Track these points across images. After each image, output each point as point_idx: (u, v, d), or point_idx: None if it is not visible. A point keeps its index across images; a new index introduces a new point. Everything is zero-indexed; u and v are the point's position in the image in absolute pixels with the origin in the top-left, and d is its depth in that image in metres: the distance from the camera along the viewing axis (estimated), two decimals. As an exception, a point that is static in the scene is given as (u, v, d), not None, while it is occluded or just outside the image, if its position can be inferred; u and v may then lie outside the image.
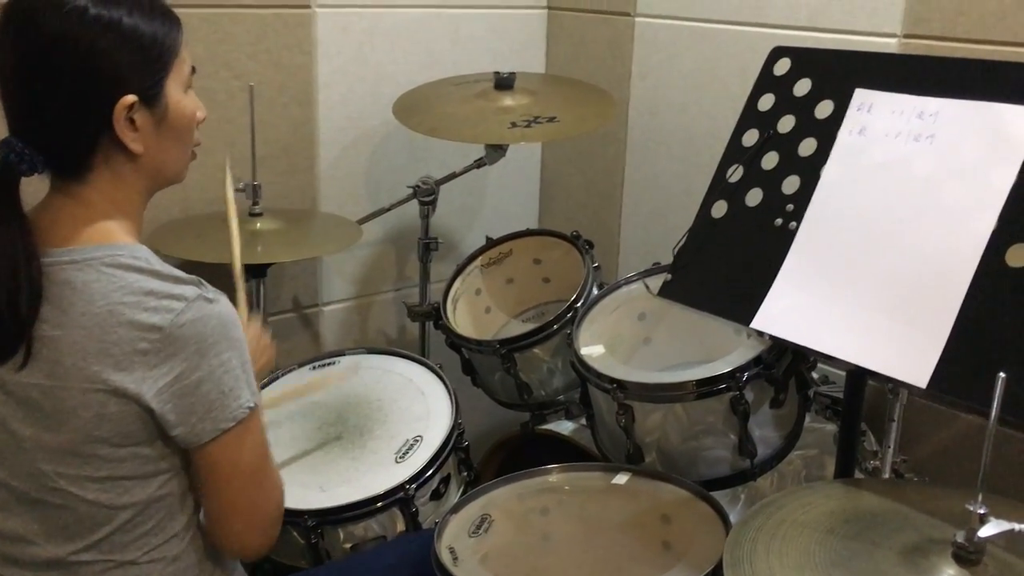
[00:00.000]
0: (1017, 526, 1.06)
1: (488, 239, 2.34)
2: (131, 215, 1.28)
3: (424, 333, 2.47)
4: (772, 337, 1.44)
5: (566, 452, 2.11)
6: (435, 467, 1.77)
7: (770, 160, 1.56)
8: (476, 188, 2.77)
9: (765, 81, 1.62)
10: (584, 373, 1.81)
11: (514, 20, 2.72)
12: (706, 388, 1.66)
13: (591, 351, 1.85)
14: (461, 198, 2.72)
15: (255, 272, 2.10)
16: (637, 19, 2.55)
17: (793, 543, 1.18)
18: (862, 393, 1.54)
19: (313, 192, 2.45)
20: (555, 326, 2.02)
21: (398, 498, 1.71)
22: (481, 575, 1.47)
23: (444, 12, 2.57)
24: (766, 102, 1.61)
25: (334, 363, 2.11)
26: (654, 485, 1.70)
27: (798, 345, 1.40)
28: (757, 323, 1.45)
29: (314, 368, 2.10)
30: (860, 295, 1.36)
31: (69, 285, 1.19)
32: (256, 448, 1.30)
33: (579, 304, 2.01)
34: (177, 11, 1.28)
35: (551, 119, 2.16)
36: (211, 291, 1.24)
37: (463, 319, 2.25)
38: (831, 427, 2.01)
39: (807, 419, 1.85)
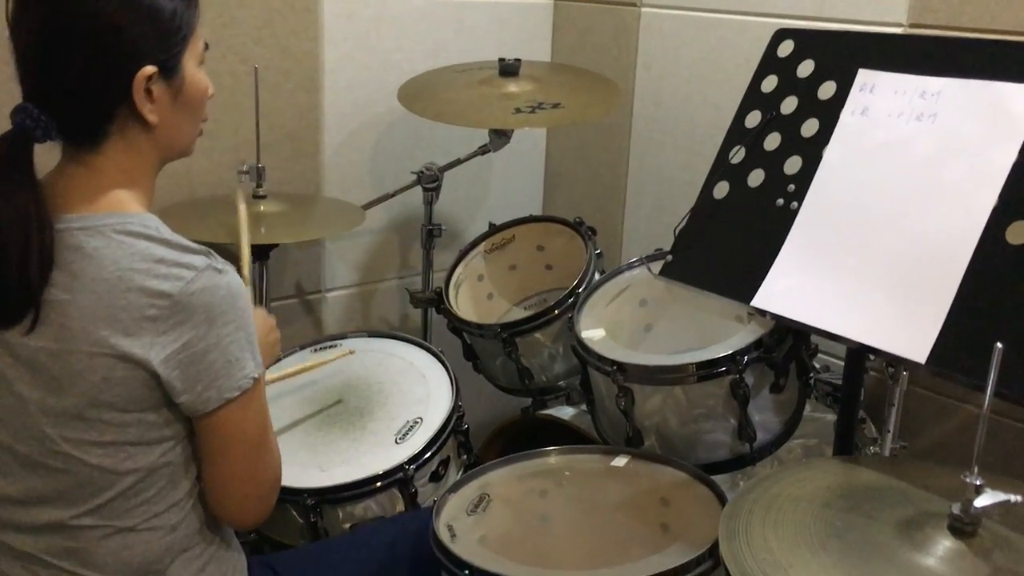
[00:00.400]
0: (1013, 497, 1.06)
1: (491, 225, 2.34)
2: (142, 186, 1.29)
3: (426, 320, 2.47)
4: (772, 315, 1.44)
5: (567, 437, 2.11)
6: (434, 449, 1.78)
7: (772, 141, 1.56)
8: (480, 177, 2.78)
9: (768, 63, 1.63)
10: (584, 356, 1.81)
11: (520, 9, 2.73)
12: (706, 371, 1.66)
13: (592, 334, 1.85)
14: (465, 187, 2.73)
15: (258, 254, 2.11)
16: (643, 9, 2.55)
17: (789, 516, 1.18)
18: (861, 372, 1.54)
19: (317, 177, 2.45)
20: (556, 311, 2.02)
21: (397, 479, 1.71)
22: (479, 553, 1.47)
23: (450, 1, 2.57)
24: (769, 84, 1.61)
25: (335, 346, 2.11)
26: (653, 468, 1.70)
27: (798, 322, 1.40)
28: (757, 301, 1.45)
29: (315, 351, 2.10)
30: (860, 273, 1.36)
31: (80, 251, 1.19)
32: (258, 419, 1.31)
33: (581, 289, 2.01)
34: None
35: (555, 105, 2.16)
36: (220, 262, 1.25)
37: (465, 305, 2.25)
38: (831, 417, 2.01)
39: (807, 408, 1.85)
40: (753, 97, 1.63)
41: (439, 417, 1.83)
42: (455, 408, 1.85)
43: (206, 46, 1.32)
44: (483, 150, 2.34)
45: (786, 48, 1.61)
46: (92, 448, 1.23)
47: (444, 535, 1.50)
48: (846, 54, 1.52)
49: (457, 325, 2.18)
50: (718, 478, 1.65)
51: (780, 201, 1.50)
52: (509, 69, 2.27)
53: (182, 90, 1.28)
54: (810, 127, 1.52)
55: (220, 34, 2.19)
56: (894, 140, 1.41)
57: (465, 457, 1.91)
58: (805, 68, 1.57)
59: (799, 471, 1.31)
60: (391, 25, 2.48)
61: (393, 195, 2.40)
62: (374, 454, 1.77)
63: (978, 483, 1.08)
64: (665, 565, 1.38)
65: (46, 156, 1.26)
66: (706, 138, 2.39)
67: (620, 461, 1.73)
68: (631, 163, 2.66)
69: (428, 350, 2.05)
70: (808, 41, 1.59)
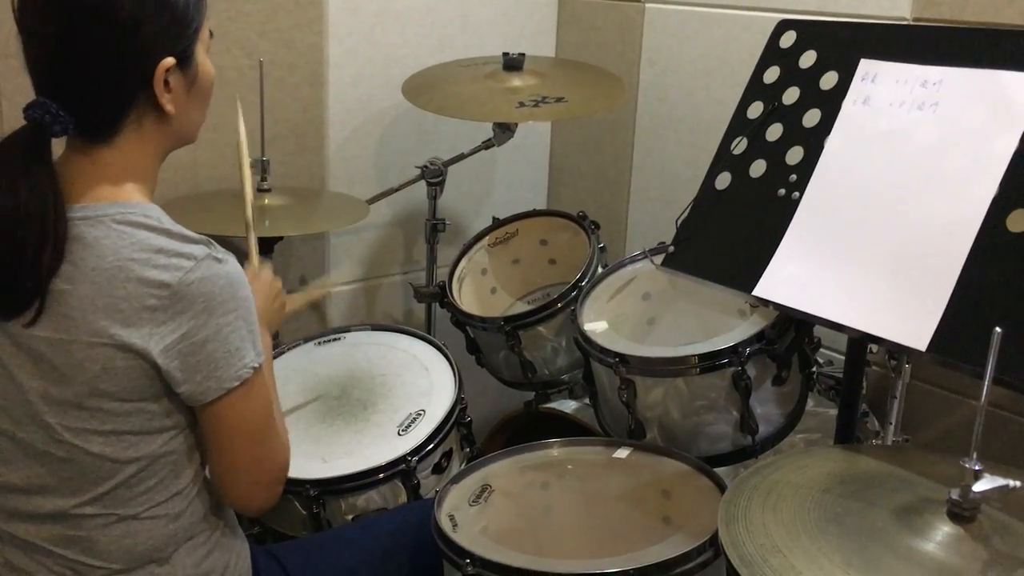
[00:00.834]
0: (1011, 482, 1.06)
1: (495, 219, 2.34)
2: (146, 176, 1.30)
3: (430, 314, 2.48)
4: (774, 305, 1.44)
5: (569, 430, 2.12)
6: (437, 440, 1.78)
7: (774, 131, 1.56)
8: (485, 172, 2.78)
9: (770, 54, 1.63)
10: (587, 348, 1.81)
11: (524, 5, 2.73)
12: (708, 363, 1.66)
13: (594, 327, 1.85)
14: (469, 182, 2.73)
15: (263, 248, 2.11)
16: (647, 5, 2.55)
17: (788, 501, 1.18)
18: (863, 363, 1.54)
19: (322, 172, 2.46)
20: (559, 304, 2.02)
21: (400, 470, 1.72)
22: (481, 543, 1.47)
23: (455, -5, 2.58)
24: (771, 74, 1.61)
25: (339, 339, 2.12)
26: (655, 459, 1.70)
27: (799, 311, 1.40)
28: (759, 291, 1.45)
29: (319, 344, 2.11)
30: (862, 262, 1.37)
31: (80, 241, 1.20)
32: (261, 407, 1.31)
33: (584, 283, 2.01)
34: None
35: (559, 99, 2.16)
36: (220, 251, 1.25)
37: (469, 299, 2.26)
38: (834, 411, 2.00)
39: (810, 403, 1.85)
40: (755, 88, 1.63)
41: (442, 409, 1.84)
42: (458, 400, 1.86)
43: (211, 34, 1.33)
44: (487, 144, 2.35)
45: (788, 39, 1.61)
46: (93, 437, 1.24)
47: (446, 525, 1.51)
48: (848, 44, 1.52)
49: (460, 319, 2.18)
50: (720, 470, 1.65)
51: (782, 191, 1.51)
52: (513, 63, 2.27)
53: (196, 79, 1.30)
54: (812, 117, 1.52)
55: (225, 28, 2.20)
56: (895, 129, 1.41)
57: (468, 450, 1.91)
58: (807, 59, 1.57)
59: (799, 458, 1.31)
60: (395, 19, 2.49)
61: (397, 189, 2.40)
62: (377, 446, 1.78)
63: (977, 468, 1.08)
64: (666, 555, 1.38)
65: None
66: (710, 133, 2.39)
67: (622, 453, 1.73)
68: (635, 158, 2.66)
69: (431, 343, 2.06)
70: (810, 32, 1.59)
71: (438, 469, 1.81)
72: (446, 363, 1.98)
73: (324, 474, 1.71)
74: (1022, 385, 1.15)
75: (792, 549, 1.09)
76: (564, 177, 2.93)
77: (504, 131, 2.32)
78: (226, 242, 1.33)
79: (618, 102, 2.28)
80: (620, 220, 2.71)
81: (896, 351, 1.64)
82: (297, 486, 1.68)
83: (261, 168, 2.13)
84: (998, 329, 1.06)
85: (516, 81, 2.25)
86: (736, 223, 1.55)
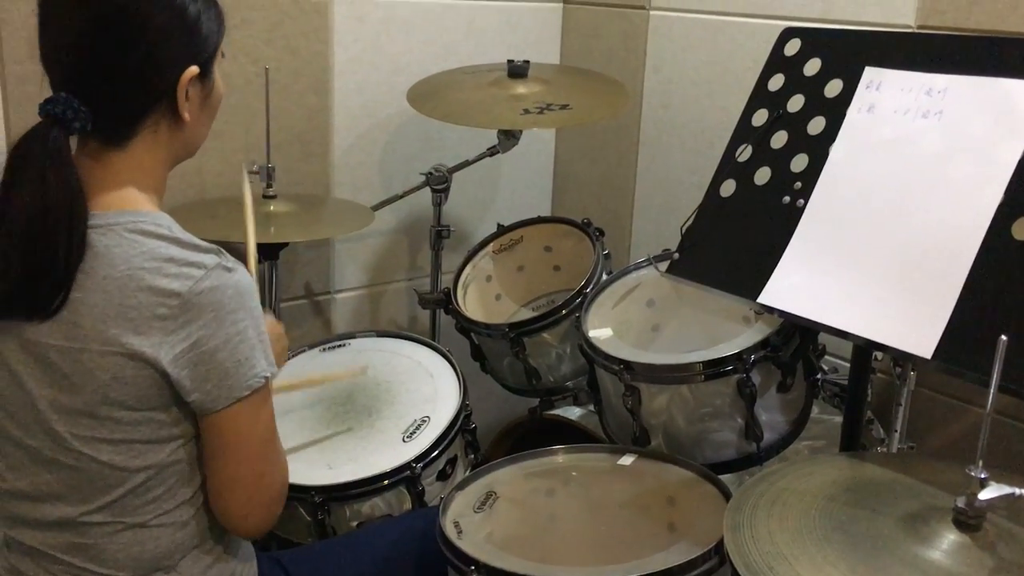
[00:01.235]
0: (1017, 490, 1.06)
1: (499, 226, 2.35)
2: (155, 184, 1.30)
3: (435, 321, 2.48)
4: (779, 312, 1.44)
5: (574, 437, 2.12)
6: (442, 447, 1.78)
7: (779, 139, 1.57)
8: (489, 179, 2.79)
9: (775, 61, 1.63)
10: (591, 355, 1.81)
11: (529, 13, 2.74)
12: (713, 370, 1.66)
13: (599, 334, 1.86)
14: (474, 189, 2.74)
15: (268, 254, 2.12)
16: (652, 12, 2.56)
17: (793, 509, 1.18)
18: (868, 370, 1.55)
19: (327, 179, 2.46)
20: (564, 311, 2.02)
21: (404, 477, 1.72)
22: (486, 549, 1.47)
23: (460, 4, 2.59)
24: (776, 82, 1.62)
25: (344, 345, 2.12)
26: (660, 467, 1.70)
27: (804, 319, 1.40)
28: (764, 298, 1.46)
29: (324, 350, 2.11)
30: (867, 270, 1.37)
31: (91, 249, 1.20)
32: (267, 420, 1.30)
33: (588, 290, 2.01)
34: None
35: (564, 106, 2.16)
36: (230, 260, 1.25)
37: (473, 305, 2.26)
38: (839, 418, 2.01)
39: (815, 410, 1.84)
40: (760, 95, 1.63)
41: (447, 416, 1.84)
42: (462, 407, 1.86)
43: (223, 54, 1.35)
44: (492, 151, 2.35)
45: (793, 47, 1.62)
46: (102, 445, 1.24)
47: (451, 532, 1.51)
48: (852, 52, 1.53)
49: (465, 325, 2.19)
50: (725, 477, 1.65)
51: (787, 199, 1.51)
52: (518, 71, 2.28)
53: (211, 92, 1.33)
54: (817, 125, 1.53)
55: (231, 35, 2.17)
56: (900, 137, 1.41)
57: (472, 456, 1.91)
58: (812, 66, 1.58)
59: (804, 466, 1.31)
60: (401, 27, 2.49)
61: (402, 196, 2.41)
62: (382, 452, 1.78)
63: (982, 476, 1.08)
64: (671, 562, 1.38)
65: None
66: (714, 140, 2.40)
67: (627, 460, 1.73)
68: (639, 165, 2.66)
69: (436, 350, 2.06)
70: (815, 39, 1.60)
71: (443, 476, 1.81)
72: (451, 370, 1.99)
73: (329, 481, 1.71)
74: (1027, 393, 1.15)
75: (798, 557, 1.09)
76: (568, 184, 2.93)
77: (509, 138, 2.32)
78: (233, 249, 1.34)
79: (622, 109, 2.28)
80: (624, 227, 2.72)
81: (901, 359, 1.64)
82: (302, 493, 1.68)
83: (267, 175, 2.14)
84: (1003, 337, 1.06)
85: (520, 88, 2.25)
86: (741, 230, 1.56)
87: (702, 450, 1.74)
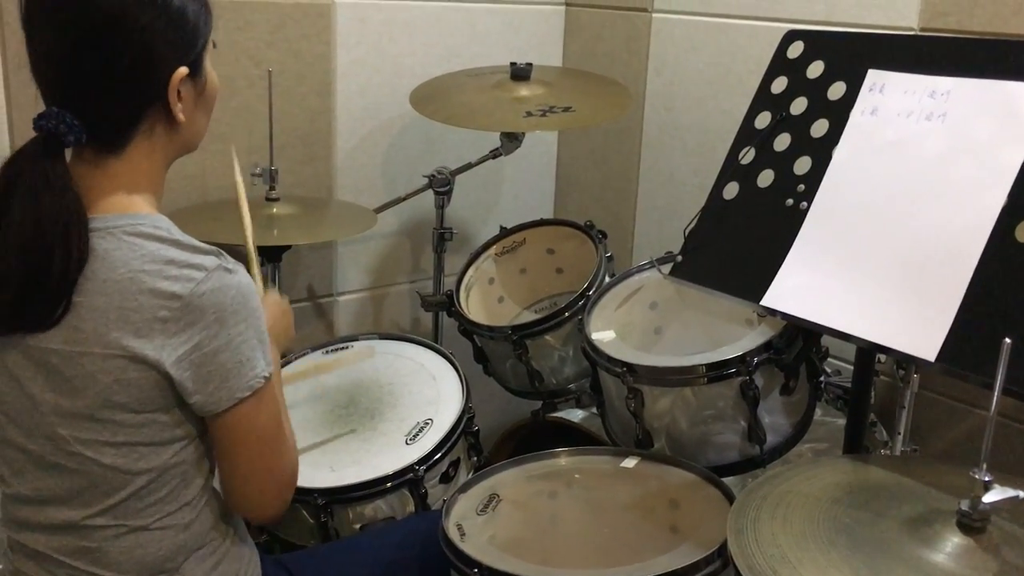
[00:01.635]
0: (1021, 493, 1.06)
1: (502, 228, 2.35)
2: (153, 187, 1.30)
3: (437, 324, 2.48)
4: (782, 315, 1.44)
5: (577, 439, 2.11)
6: (444, 450, 1.78)
7: (782, 141, 1.57)
8: (492, 182, 2.79)
9: (778, 64, 1.63)
10: (594, 357, 1.81)
11: (531, 15, 2.74)
12: (716, 372, 1.66)
13: (602, 336, 1.85)
14: (477, 192, 2.74)
15: (270, 256, 2.12)
16: (654, 15, 2.56)
17: (797, 512, 1.18)
18: (871, 373, 1.54)
19: (329, 181, 2.47)
20: (567, 313, 2.02)
21: (407, 479, 1.72)
22: (489, 552, 1.47)
23: (462, 6, 2.59)
24: (779, 85, 1.62)
25: (347, 347, 2.12)
26: (663, 469, 1.70)
27: (807, 322, 1.40)
28: (767, 301, 1.46)
29: (327, 352, 2.11)
30: (870, 272, 1.37)
31: (92, 252, 1.20)
32: (271, 417, 1.31)
33: (591, 292, 2.01)
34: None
35: (566, 109, 2.17)
36: (230, 262, 1.25)
37: (476, 307, 2.26)
38: (842, 421, 2.01)
39: (818, 412, 1.84)
40: (763, 98, 1.63)
41: (449, 418, 1.84)
42: (465, 409, 1.86)
43: (214, 44, 1.34)
44: (494, 154, 2.35)
45: (796, 49, 1.62)
46: (105, 448, 1.24)
47: (454, 534, 1.51)
48: (855, 55, 1.53)
49: (468, 328, 2.19)
50: (728, 480, 1.65)
51: (790, 201, 1.51)
52: (521, 73, 2.28)
53: (205, 87, 1.31)
54: (820, 127, 1.53)
55: (234, 37, 2.20)
56: (904, 140, 1.41)
57: (475, 459, 1.91)
58: (815, 69, 1.58)
59: (808, 468, 1.31)
60: (403, 29, 2.50)
61: (405, 199, 2.41)
62: (384, 455, 1.78)
63: (987, 479, 1.08)
64: (674, 565, 1.38)
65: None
66: (717, 142, 2.40)
67: (630, 462, 1.73)
68: (642, 167, 2.66)
69: (438, 352, 2.06)
70: (818, 42, 1.60)
71: (446, 478, 1.81)
72: (453, 372, 1.99)
73: (332, 483, 1.71)
74: (1031, 395, 1.15)
75: (801, 560, 1.09)
76: (571, 186, 2.93)
77: (511, 140, 2.32)
78: (235, 251, 1.34)
79: (625, 111, 2.28)
80: (627, 229, 2.72)
81: (905, 361, 1.64)
82: (305, 495, 1.68)
83: (269, 177, 2.14)
84: (1007, 340, 1.06)
85: (523, 91, 2.25)
86: (744, 233, 1.56)
87: (705, 453, 1.74)
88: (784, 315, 1.45)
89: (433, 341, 2.27)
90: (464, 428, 1.85)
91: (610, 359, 1.76)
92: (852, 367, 1.62)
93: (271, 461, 1.33)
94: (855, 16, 2.10)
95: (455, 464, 1.84)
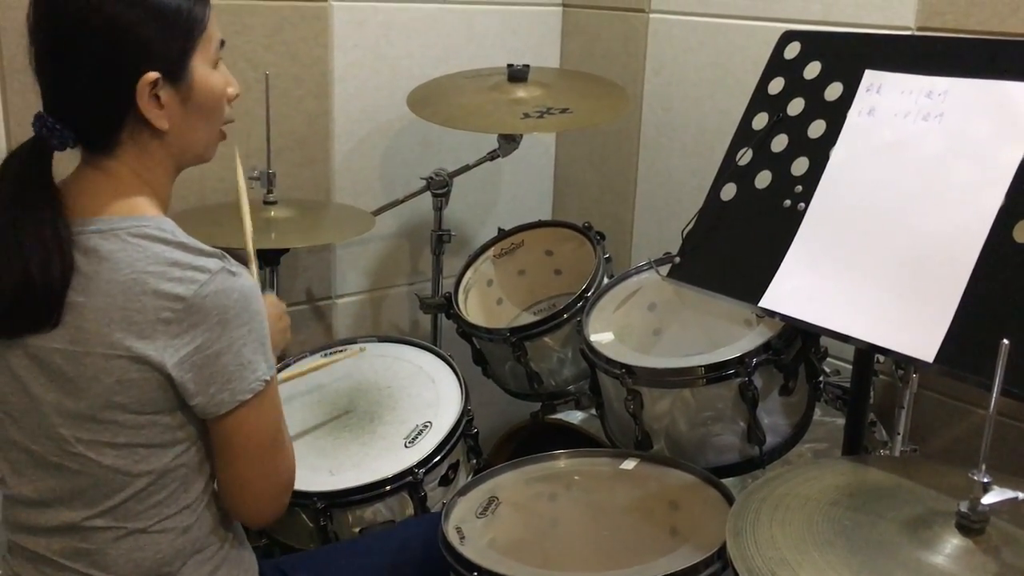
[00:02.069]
0: (1021, 494, 1.06)
1: (500, 230, 2.35)
2: (158, 189, 1.30)
3: (436, 326, 2.48)
4: (780, 316, 1.44)
5: (576, 441, 2.11)
6: (444, 452, 1.78)
7: (779, 143, 1.57)
8: (490, 183, 2.79)
9: (775, 65, 1.63)
10: (593, 359, 1.81)
11: (529, 16, 2.74)
12: (715, 374, 1.66)
13: (600, 338, 1.85)
14: (475, 193, 2.74)
15: (269, 259, 2.12)
16: (651, 15, 2.56)
17: (796, 514, 1.18)
18: (870, 373, 1.54)
19: (327, 184, 2.47)
20: (565, 315, 2.02)
21: (407, 482, 1.72)
22: (488, 555, 1.47)
23: (459, 8, 2.59)
24: (776, 85, 1.62)
25: (345, 350, 2.12)
26: (662, 471, 1.69)
27: (806, 323, 1.40)
28: (765, 302, 1.46)
29: (326, 355, 2.11)
30: (868, 273, 1.37)
31: (95, 253, 1.20)
32: (271, 420, 1.31)
33: (589, 294, 2.01)
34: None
35: (564, 110, 2.17)
36: (234, 265, 1.25)
37: (475, 310, 2.26)
38: (841, 420, 2.00)
39: (817, 412, 1.84)
40: (760, 99, 1.63)
41: (448, 421, 1.84)
42: (464, 412, 1.86)
43: (222, 44, 1.31)
44: (492, 155, 2.35)
45: (793, 50, 1.62)
46: (106, 449, 1.24)
47: (453, 538, 1.51)
48: (852, 55, 1.53)
49: (466, 330, 2.19)
50: (728, 481, 1.65)
51: (787, 202, 1.51)
52: (518, 75, 2.28)
53: (191, 94, 1.26)
54: (817, 128, 1.53)
55: (232, 41, 2.20)
56: (901, 140, 1.41)
57: (475, 461, 1.91)
58: (812, 69, 1.58)
59: (807, 470, 1.31)
60: (400, 32, 2.49)
61: (403, 201, 2.40)
62: (384, 458, 1.77)
63: (985, 481, 1.08)
64: (673, 567, 1.38)
65: (67, 160, 1.28)
66: (715, 143, 2.39)
67: (629, 464, 1.72)
68: (640, 168, 2.66)
69: (437, 354, 2.06)
70: (815, 42, 1.60)
71: (445, 481, 1.81)
72: (452, 374, 1.98)
73: (331, 487, 1.71)
74: (1030, 396, 1.15)
75: (801, 563, 1.09)
76: (569, 188, 2.93)
77: (509, 142, 2.32)
78: (235, 254, 1.34)
79: (623, 112, 2.28)
80: (625, 230, 2.71)
81: (903, 362, 1.64)
82: (304, 499, 1.68)
83: (267, 180, 2.14)
84: (1005, 341, 1.06)
85: (521, 92, 2.25)
86: (742, 234, 1.56)
87: (704, 454, 1.74)
88: (782, 316, 1.45)
89: (432, 343, 2.27)
90: (463, 430, 1.85)
91: (609, 361, 1.76)
92: (851, 367, 1.62)
93: (270, 465, 1.33)
94: (852, 16, 2.10)
95: (454, 467, 1.84)
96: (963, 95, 1.37)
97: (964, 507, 1.09)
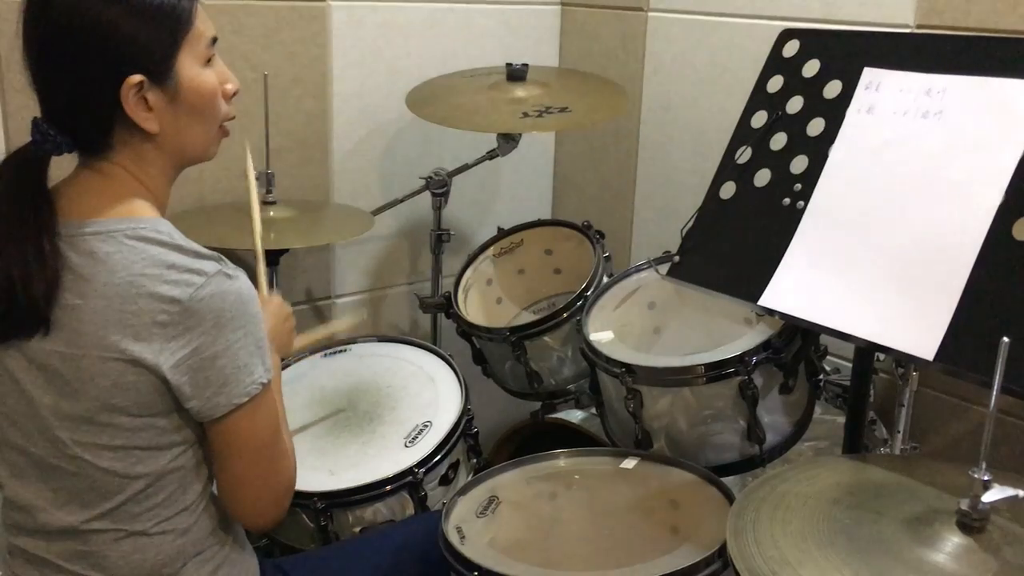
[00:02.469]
0: (1021, 492, 1.06)
1: (500, 229, 2.35)
2: (156, 191, 1.30)
3: (436, 326, 2.48)
4: (780, 314, 1.44)
5: (576, 440, 2.11)
6: (444, 452, 1.78)
7: (778, 141, 1.57)
8: (489, 183, 2.79)
9: (774, 63, 1.63)
10: (593, 358, 1.81)
11: (527, 15, 2.74)
12: (715, 372, 1.66)
13: (600, 336, 1.85)
14: (474, 193, 2.74)
15: (268, 260, 2.11)
16: (650, 14, 2.55)
17: (797, 513, 1.18)
18: (870, 372, 1.54)
19: (326, 184, 2.46)
20: (565, 314, 2.02)
21: (407, 482, 1.72)
22: (488, 555, 1.47)
23: (458, 7, 2.58)
24: (775, 84, 1.62)
25: (345, 351, 2.12)
26: (662, 470, 1.69)
27: (805, 321, 1.40)
28: (765, 301, 1.46)
29: (325, 356, 2.11)
30: (867, 271, 1.36)
31: (92, 256, 1.20)
32: (269, 423, 1.31)
33: (589, 293, 2.01)
34: (192, 1, 1.29)
35: (563, 109, 2.16)
36: (231, 267, 1.25)
37: (474, 309, 2.26)
38: (841, 419, 2.00)
39: (817, 410, 1.84)
40: (759, 97, 1.63)
41: (448, 421, 1.84)
42: (464, 411, 1.86)
43: (214, 40, 1.29)
44: (491, 155, 2.35)
45: (791, 48, 1.62)
46: (103, 452, 1.24)
47: (453, 537, 1.51)
48: (851, 53, 1.53)
49: (466, 329, 2.18)
50: (728, 480, 1.65)
51: (786, 200, 1.51)
52: (517, 74, 2.28)
53: (180, 94, 1.25)
54: (816, 126, 1.52)
55: (230, 41, 2.20)
56: (900, 138, 1.41)
57: (475, 461, 1.91)
58: (811, 68, 1.57)
59: (807, 469, 1.31)
60: (399, 31, 2.49)
61: (402, 200, 2.40)
62: (384, 458, 1.77)
63: (986, 479, 1.08)
64: (674, 566, 1.38)
65: (67, 160, 1.28)
66: (714, 141, 2.38)
67: (629, 463, 1.72)
68: (639, 167, 2.66)
69: (437, 354, 2.06)
70: (813, 41, 1.59)
71: (445, 480, 1.81)
72: (452, 374, 1.98)
73: (331, 487, 1.71)
74: (1030, 394, 1.15)
75: (802, 561, 1.09)
76: (568, 187, 2.93)
77: (508, 141, 2.32)
78: (233, 255, 1.34)
79: (622, 111, 2.28)
80: (625, 229, 2.71)
81: (903, 360, 1.63)
82: (304, 499, 1.68)
83: (266, 181, 2.14)
84: (1005, 339, 1.06)
85: (520, 91, 2.25)
86: (741, 233, 1.56)
87: (704, 453, 1.74)
88: (782, 315, 1.45)
89: (431, 343, 2.27)
90: (463, 430, 1.85)
91: (608, 360, 1.76)
92: (851, 365, 1.62)
93: (268, 468, 1.33)
94: (851, 14, 2.10)
95: (454, 466, 1.84)
96: (962, 93, 1.37)
97: (965, 505, 1.09)
